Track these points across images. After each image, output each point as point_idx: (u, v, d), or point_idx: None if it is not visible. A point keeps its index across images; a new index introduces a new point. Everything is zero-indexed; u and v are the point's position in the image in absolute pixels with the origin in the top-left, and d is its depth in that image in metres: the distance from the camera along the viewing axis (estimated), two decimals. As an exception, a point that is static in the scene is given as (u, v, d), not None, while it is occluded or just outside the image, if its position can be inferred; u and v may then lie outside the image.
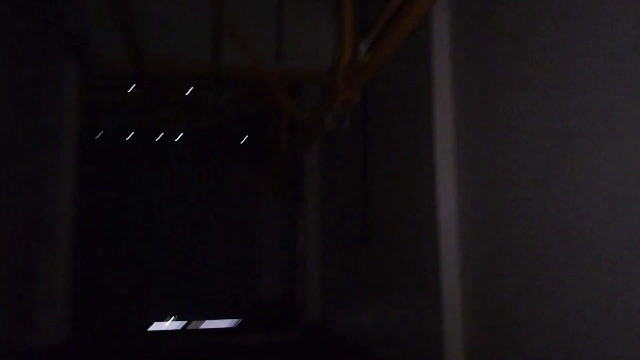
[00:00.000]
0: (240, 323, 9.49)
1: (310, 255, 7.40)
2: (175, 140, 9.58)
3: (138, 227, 9.58)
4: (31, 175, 5.46)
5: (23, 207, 5.26)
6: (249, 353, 5.87)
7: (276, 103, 7.40)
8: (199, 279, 9.54)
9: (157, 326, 9.21)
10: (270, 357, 5.67)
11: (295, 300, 7.89)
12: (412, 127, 3.81)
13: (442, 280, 3.30)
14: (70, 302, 5.93)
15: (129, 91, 7.24)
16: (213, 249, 9.74)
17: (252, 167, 9.57)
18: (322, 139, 7.47)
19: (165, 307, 9.42)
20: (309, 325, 7.23)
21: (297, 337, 7.33)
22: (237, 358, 5.61)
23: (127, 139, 9.50)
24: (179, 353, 5.95)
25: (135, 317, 9.11)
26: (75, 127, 6.04)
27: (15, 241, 5.15)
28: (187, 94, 7.39)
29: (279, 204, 9.96)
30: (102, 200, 9.56)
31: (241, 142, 9.65)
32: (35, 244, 5.54)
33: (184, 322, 9.43)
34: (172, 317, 9.44)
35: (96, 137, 8.83)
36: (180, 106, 8.05)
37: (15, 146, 5.00)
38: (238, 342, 6.78)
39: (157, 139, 9.52)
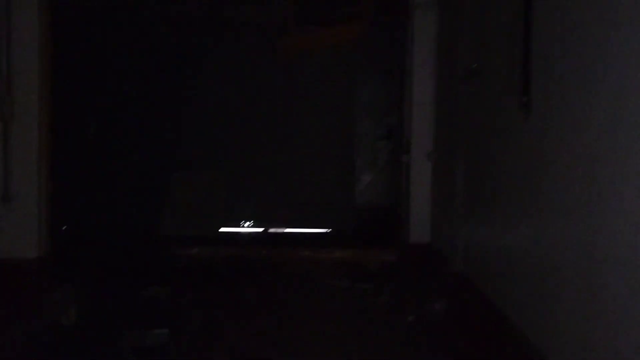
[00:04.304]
0: (329, 233, 7.39)
1: (414, 135, 4.92)
2: None
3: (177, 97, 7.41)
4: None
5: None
6: (331, 271, 5.06)
7: None
8: (279, 177, 7.41)
9: (227, 231, 7.41)
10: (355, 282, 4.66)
11: (401, 205, 5.53)
12: None
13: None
14: (49, 200, 4.04)
15: None
16: (295, 139, 7.48)
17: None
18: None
19: (240, 211, 7.52)
20: (412, 243, 4.92)
21: (394, 259, 5.20)
22: (313, 276, 4.91)
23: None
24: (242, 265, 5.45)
25: (202, 221, 7.30)
26: None
27: None
28: None
29: (379, 76, 7.35)
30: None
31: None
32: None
33: (259, 230, 7.53)
34: (247, 223, 7.57)
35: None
36: None
37: None
38: (317, 258, 5.84)
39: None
